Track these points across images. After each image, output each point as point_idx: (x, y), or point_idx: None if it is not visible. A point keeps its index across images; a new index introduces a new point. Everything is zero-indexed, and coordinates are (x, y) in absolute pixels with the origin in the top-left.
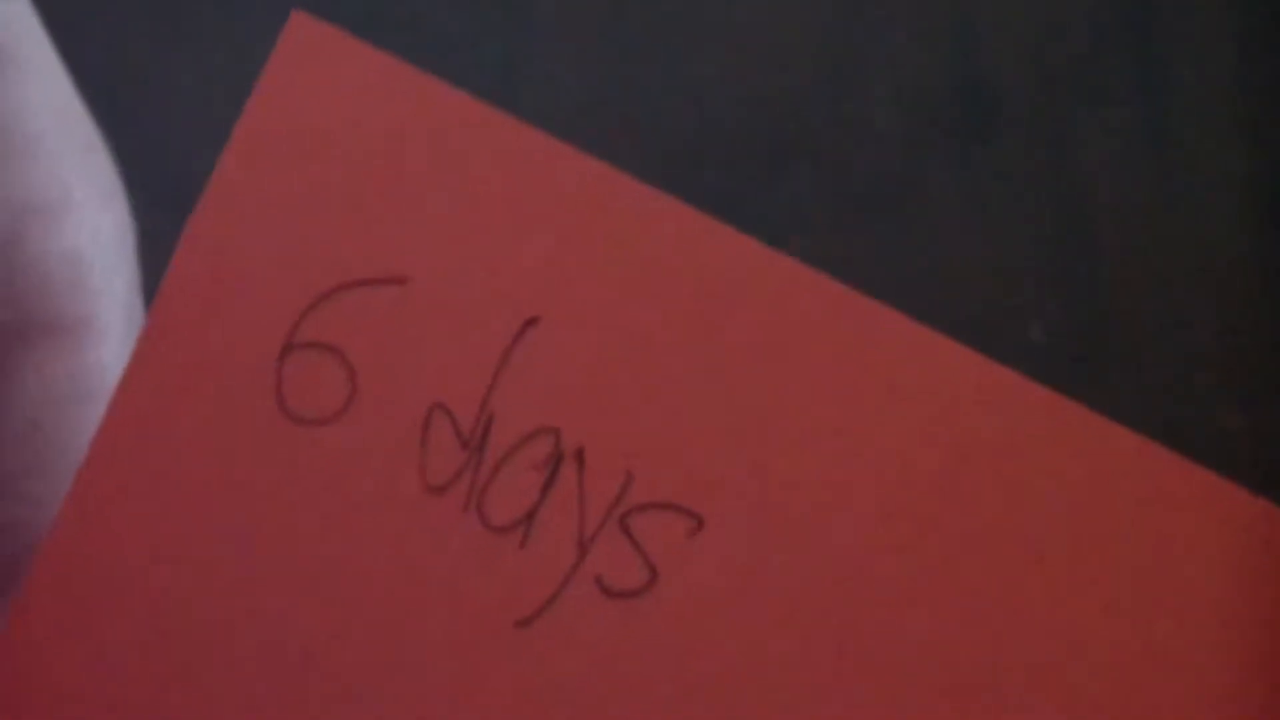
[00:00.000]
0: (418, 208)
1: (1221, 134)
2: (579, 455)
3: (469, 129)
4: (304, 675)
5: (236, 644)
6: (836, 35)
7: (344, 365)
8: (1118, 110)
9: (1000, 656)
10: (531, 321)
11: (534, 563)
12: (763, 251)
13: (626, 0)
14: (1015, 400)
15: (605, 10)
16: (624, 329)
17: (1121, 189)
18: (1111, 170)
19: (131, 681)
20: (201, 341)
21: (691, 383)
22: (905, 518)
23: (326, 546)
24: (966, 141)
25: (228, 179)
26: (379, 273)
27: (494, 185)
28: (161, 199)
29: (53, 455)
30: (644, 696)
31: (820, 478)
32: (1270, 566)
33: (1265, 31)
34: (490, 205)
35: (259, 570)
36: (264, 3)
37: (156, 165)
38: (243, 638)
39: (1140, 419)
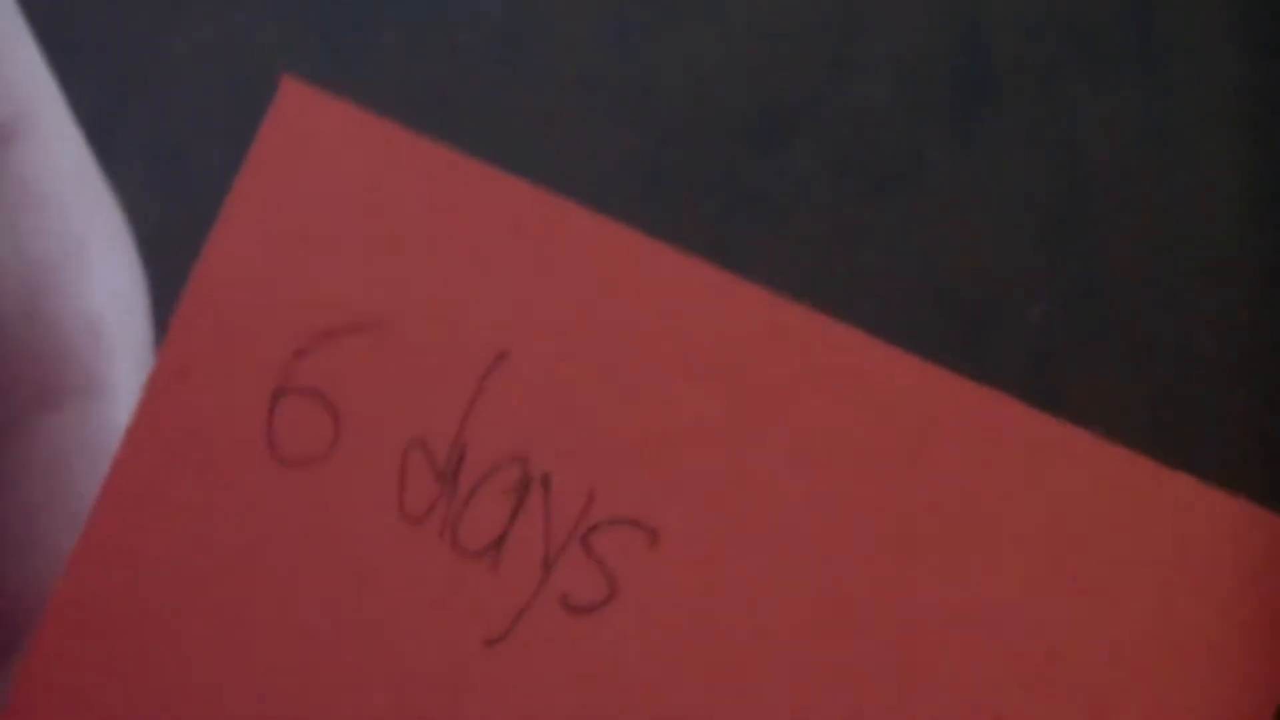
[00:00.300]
0: (397, 256)
1: (1225, 119)
2: (545, 480)
3: (444, 179)
4: (295, 698)
5: (231, 672)
6: (839, 11)
7: (328, 407)
8: (1120, 90)
9: (967, 668)
10: (502, 356)
11: (503, 584)
12: (716, 275)
13: None
14: (975, 410)
15: None
16: (589, 358)
17: (1123, 167)
18: (1113, 150)
19: (144, 705)
20: (199, 392)
21: (653, 406)
22: (862, 530)
23: (314, 582)
24: (968, 119)
25: (224, 241)
26: (359, 319)
27: (467, 230)
28: (158, 180)
29: (74, 513)
30: (608, 705)
31: (777, 489)
32: (1268, 576)
33: (1271, 14)
34: (464, 249)
35: (251, 607)
36: None
37: (152, 146)
38: (237, 666)
39: (1142, 398)
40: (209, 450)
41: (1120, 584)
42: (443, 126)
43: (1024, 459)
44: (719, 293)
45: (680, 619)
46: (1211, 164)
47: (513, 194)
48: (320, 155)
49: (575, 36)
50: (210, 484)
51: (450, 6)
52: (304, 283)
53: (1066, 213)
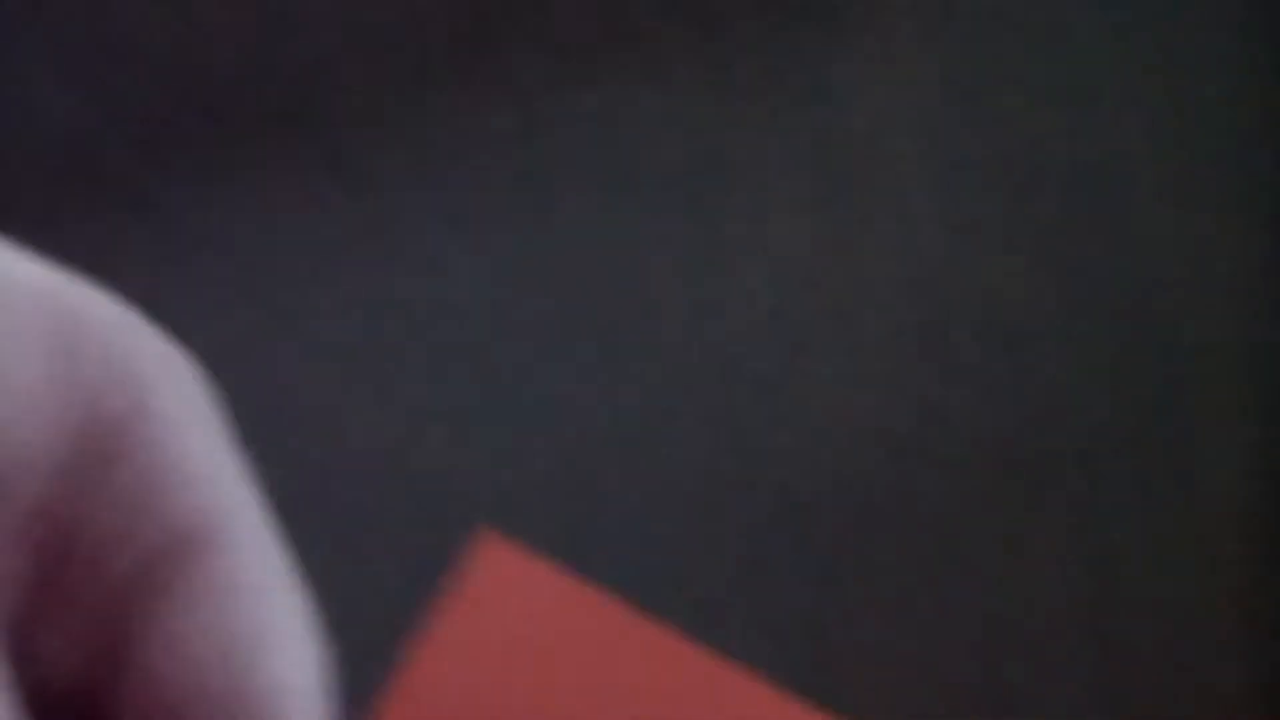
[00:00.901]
0: (568, 685)
1: (1249, 490)
2: None
3: (604, 623)
4: None
5: None
6: (901, 408)
7: None
8: (1149, 487)
9: None
10: None
11: None
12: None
13: (714, 392)
14: None
15: (704, 401)
16: None
17: (1149, 556)
18: (1141, 544)
19: None
20: None
21: None
22: None
23: None
24: (1015, 512)
25: (417, 670)
26: None
27: (621, 668)
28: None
29: None
30: None
31: None
32: None
33: None
34: (621, 688)
35: None
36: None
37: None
38: None
39: None
40: None
41: None
42: (571, 530)
43: None
44: None
45: None
46: (1226, 505)
47: (666, 643)
48: (504, 594)
49: (679, 433)
50: None
51: (559, 408)
52: (490, 701)
53: (1102, 622)
